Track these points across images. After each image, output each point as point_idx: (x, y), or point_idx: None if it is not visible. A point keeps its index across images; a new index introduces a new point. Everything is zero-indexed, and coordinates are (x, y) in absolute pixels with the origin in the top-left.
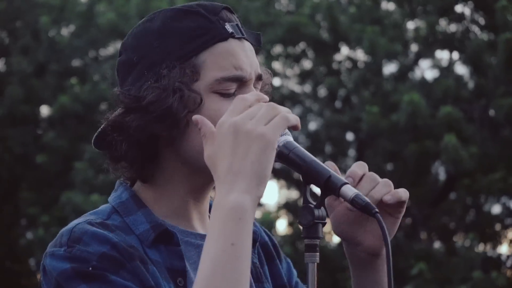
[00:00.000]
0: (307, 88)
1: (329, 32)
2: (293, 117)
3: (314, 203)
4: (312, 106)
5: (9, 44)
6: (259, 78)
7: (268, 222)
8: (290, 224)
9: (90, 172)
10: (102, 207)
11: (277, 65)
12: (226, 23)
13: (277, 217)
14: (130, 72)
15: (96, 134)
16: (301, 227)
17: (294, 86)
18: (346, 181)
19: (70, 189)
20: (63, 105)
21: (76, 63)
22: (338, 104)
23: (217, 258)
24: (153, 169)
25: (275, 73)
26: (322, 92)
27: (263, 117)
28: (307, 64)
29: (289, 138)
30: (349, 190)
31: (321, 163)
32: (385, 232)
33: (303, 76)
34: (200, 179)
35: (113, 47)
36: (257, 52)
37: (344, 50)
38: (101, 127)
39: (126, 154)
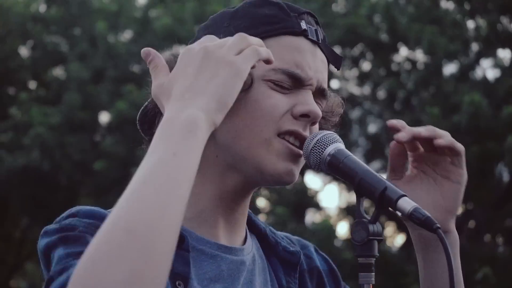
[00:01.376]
0: (366, 90)
1: (387, 32)
2: (264, 50)
3: (369, 218)
4: (372, 108)
5: (67, 51)
6: (322, 93)
7: (328, 227)
8: None
9: None
10: None
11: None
12: (303, 21)
13: (338, 221)
14: None
15: (141, 108)
16: (354, 244)
17: (353, 88)
18: (403, 193)
19: None
20: (121, 111)
21: (133, 68)
22: (397, 105)
23: (153, 166)
24: None
25: (333, 76)
26: (382, 94)
27: (234, 46)
28: (365, 65)
29: (340, 145)
30: (406, 204)
31: (376, 174)
32: (447, 248)
33: (362, 78)
34: (232, 179)
35: (170, 52)
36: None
37: (403, 51)
38: (146, 102)
39: None
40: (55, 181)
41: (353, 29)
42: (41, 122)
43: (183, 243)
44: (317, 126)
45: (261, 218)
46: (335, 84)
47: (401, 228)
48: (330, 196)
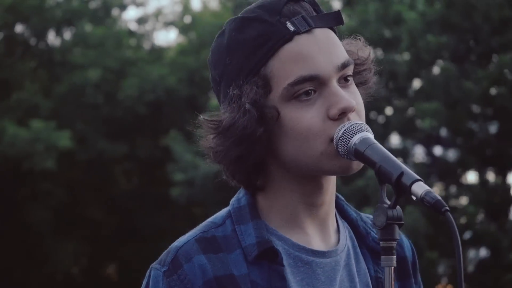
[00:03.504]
0: None
1: None
2: None
3: (389, 203)
4: None
5: None
6: (344, 66)
7: None
8: None
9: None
10: (223, 210)
11: None
12: (287, 21)
13: None
14: (218, 90)
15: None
16: (376, 228)
17: None
18: (418, 177)
19: None
20: None
21: None
22: None
23: None
24: (263, 179)
25: None
26: None
27: None
28: None
29: (367, 134)
30: (419, 188)
31: (395, 160)
32: (456, 231)
33: None
34: (309, 186)
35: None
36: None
37: None
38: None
39: (230, 173)
40: None
41: None
42: None
43: (277, 257)
44: (358, 101)
45: None
46: None
47: None
48: None
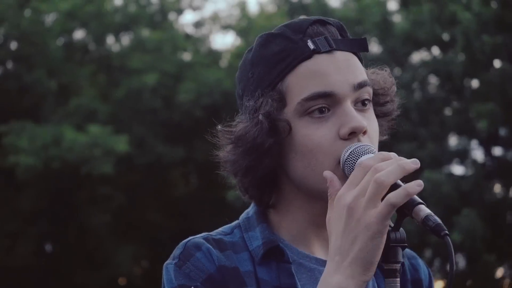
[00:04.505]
0: None
1: None
2: (400, 197)
3: (392, 225)
4: None
5: None
6: (362, 86)
7: None
8: None
9: None
10: (234, 222)
11: None
12: (309, 40)
13: None
14: (241, 104)
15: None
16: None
17: None
18: (421, 201)
19: None
20: None
21: None
22: None
23: None
24: (275, 195)
25: None
26: None
27: (372, 199)
28: None
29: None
30: (421, 211)
31: (397, 182)
32: (452, 253)
33: None
34: (318, 206)
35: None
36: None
37: None
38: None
39: (243, 186)
40: None
41: None
42: None
43: (283, 256)
44: (372, 127)
45: None
46: None
47: None
48: None
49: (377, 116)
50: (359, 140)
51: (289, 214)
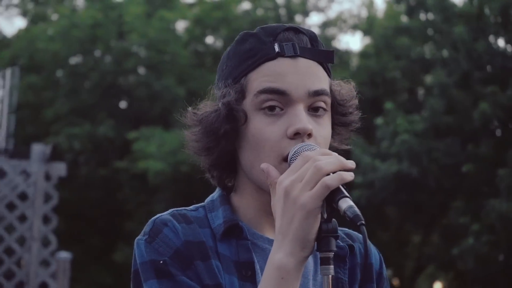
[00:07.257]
0: None
1: None
2: (335, 180)
3: (325, 217)
4: None
5: (432, 57)
6: (317, 94)
7: None
8: None
9: None
10: (199, 204)
11: None
12: (276, 43)
13: None
14: (216, 93)
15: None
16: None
17: None
18: (347, 194)
19: (496, 196)
20: (484, 112)
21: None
22: None
23: None
24: (236, 180)
25: None
26: None
27: (308, 182)
28: None
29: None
30: (344, 203)
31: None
32: (366, 242)
33: None
34: (266, 195)
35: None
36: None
37: None
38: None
39: (207, 168)
40: (424, 186)
41: None
42: (406, 129)
43: (242, 233)
44: (321, 133)
45: None
46: None
47: None
48: None
49: (337, 125)
50: (303, 141)
51: (243, 199)
